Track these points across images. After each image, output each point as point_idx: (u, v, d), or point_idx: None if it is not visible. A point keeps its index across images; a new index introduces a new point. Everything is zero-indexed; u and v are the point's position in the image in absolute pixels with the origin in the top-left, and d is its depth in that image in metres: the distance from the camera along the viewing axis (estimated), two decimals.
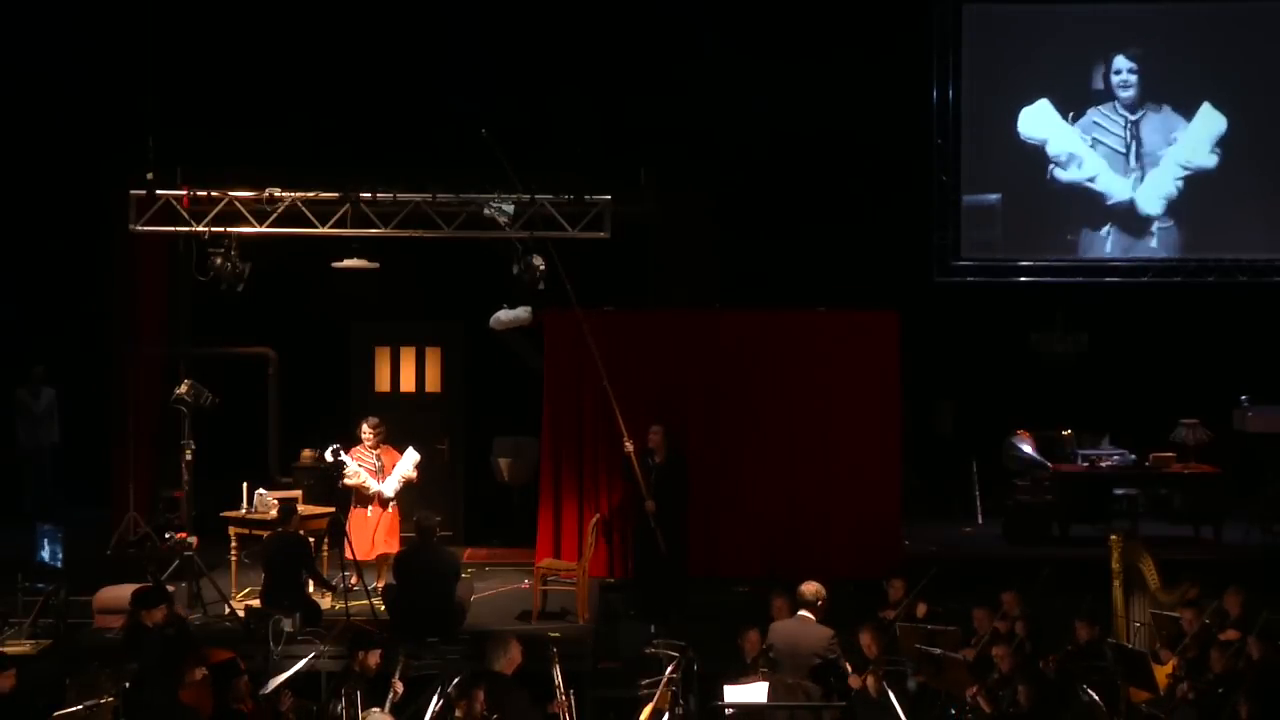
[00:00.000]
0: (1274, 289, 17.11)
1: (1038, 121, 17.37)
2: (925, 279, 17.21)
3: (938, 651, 10.68)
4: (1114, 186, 17.31)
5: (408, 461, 13.59)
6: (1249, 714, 9.24)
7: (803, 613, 10.39)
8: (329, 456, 13.33)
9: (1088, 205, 17.38)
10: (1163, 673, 10.46)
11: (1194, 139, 17.26)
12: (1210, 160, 17.23)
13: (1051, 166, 17.38)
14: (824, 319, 14.64)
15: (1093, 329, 17.20)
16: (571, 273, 13.88)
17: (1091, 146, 17.30)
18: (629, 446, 13.32)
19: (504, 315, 13.99)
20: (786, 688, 10.12)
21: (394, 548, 13.40)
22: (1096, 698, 10.18)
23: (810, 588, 10.43)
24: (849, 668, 10.25)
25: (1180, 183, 17.29)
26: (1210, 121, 17.23)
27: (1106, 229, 17.36)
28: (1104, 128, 17.34)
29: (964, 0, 17.38)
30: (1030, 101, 17.35)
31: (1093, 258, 17.41)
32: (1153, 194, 17.30)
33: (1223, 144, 17.20)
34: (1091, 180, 17.32)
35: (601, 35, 16.58)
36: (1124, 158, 17.29)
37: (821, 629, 10.35)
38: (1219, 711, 9.68)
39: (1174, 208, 17.30)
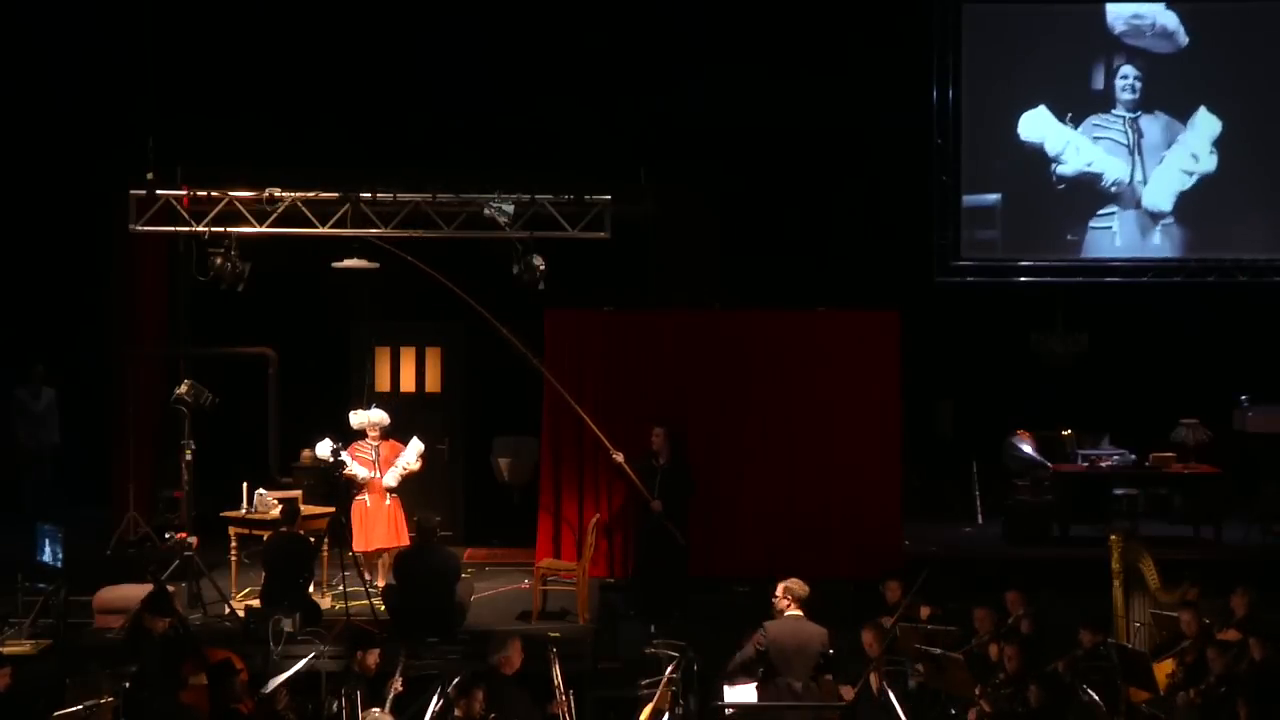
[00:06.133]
0: (1274, 289, 17.10)
1: (1036, 125, 17.37)
2: (925, 279, 17.19)
3: (938, 651, 10.68)
4: (1112, 169, 17.26)
5: (411, 452, 13.62)
6: (1248, 715, 9.23)
7: (795, 611, 10.27)
8: (328, 456, 13.32)
9: (1089, 195, 17.33)
10: (1163, 672, 10.46)
11: (1195, 142, 17.24)
12: (1211, 163, 17.24)
13: (1053, 165, 17.36)
14: (824, 319, 14.64)
15: (1093, 329, 17.19)
16: (571, 273, 13.90)
17: (1094, 142, 17.30)
18: (618, 457, 13.33)
19: (354, 419, 13.87)
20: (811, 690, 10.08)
21: (393, 542, 13.41)
22: (1096, 698, 10.18)
23: (802, 585, 10.33)
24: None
25: (1187, 181, 17.29)
26: (1208, 125, 17.22)
27: (1112, 222, 17.32)
28: (1105, 126, 17.35)
29: (964, 0, 17.38)
30: (1031, 104, 17.35)
31: (1093, 258, 17.41)
32: (1161, 189, 17.28)
33: (1221, 145, 17.20)
34: (1089, 165, 17.29)
35: (602, 34, 16.58)
36: (1126, 149, 17.29)
37: (818, 626, 10.32)
38: (1219, 712, 9.68)
39: (1181, 205, 17.26)
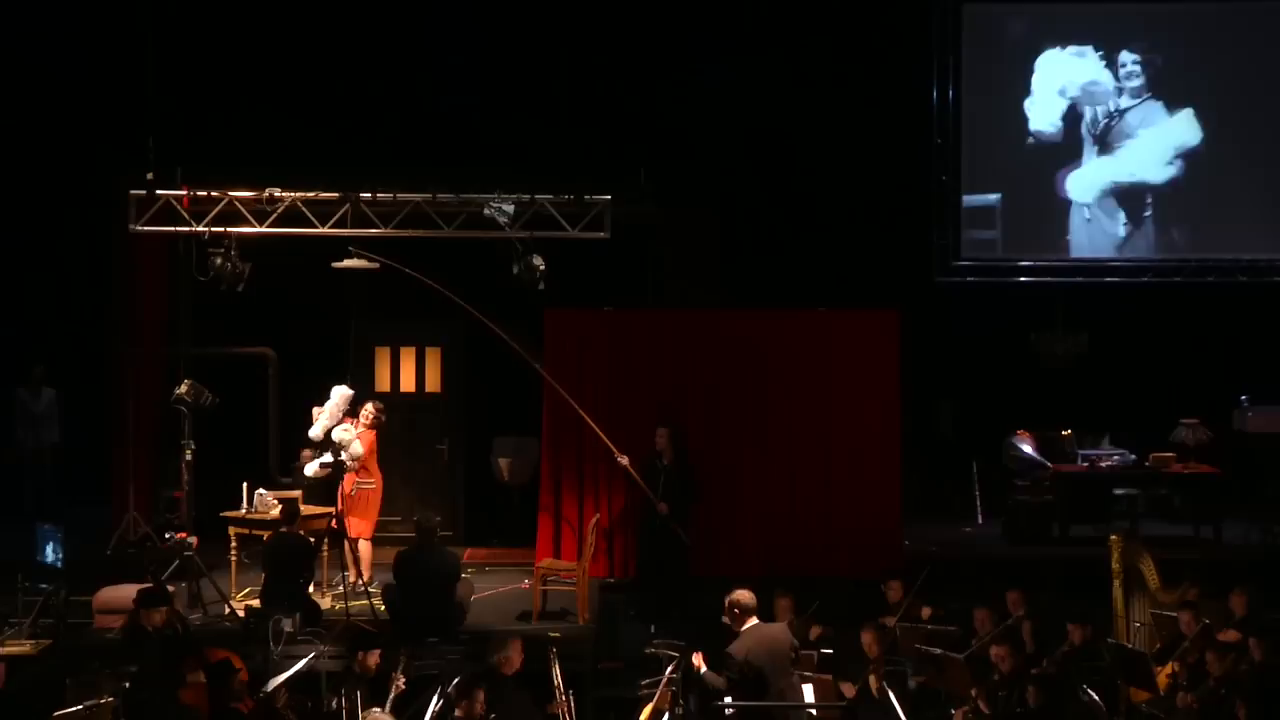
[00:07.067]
0: (1274, 289, 17.09)
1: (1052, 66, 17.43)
2: (925, 279, 17.20)
3: (938, 651, 10.68)
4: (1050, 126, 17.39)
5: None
6: (1247, 715, 9.23)
7: (750, 622, 10.17)
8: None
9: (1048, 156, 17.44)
10: (1163, 673, 10.47)
11: (1167, 138, 17.28)
12: (1168, 171, 17.28)
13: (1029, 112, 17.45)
14: (824, 318, 14.64)
15: (1093, 329, 17.18)
16: (571, 273, 13.88)
17: (1070, 124, 17.37)
18: (624, 460, 13.32)
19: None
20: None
21: (352, 531, 13.32)
22: (1096, 698, 10.18)
23: (747, 594, 10.12)
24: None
25: (1169, 173, 17.30)
26: (1189, 125, 17.25)
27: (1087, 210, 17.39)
28: (1093, 95, 17.37)
29: (964, 0, 17.39)
30: (1030, 100, 17.41)
31: (1091, 257, 17.40)
32: (1147, 175, 17.33)
33: (1219, 143, 17.17)
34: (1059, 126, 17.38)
35: (602, 35, 16.59)
36: (1093, 138, 17.36)
37: (777, 625, 10.31)
38: (1219, 712, 9.68)
39: (1180, 203, 17.28)
